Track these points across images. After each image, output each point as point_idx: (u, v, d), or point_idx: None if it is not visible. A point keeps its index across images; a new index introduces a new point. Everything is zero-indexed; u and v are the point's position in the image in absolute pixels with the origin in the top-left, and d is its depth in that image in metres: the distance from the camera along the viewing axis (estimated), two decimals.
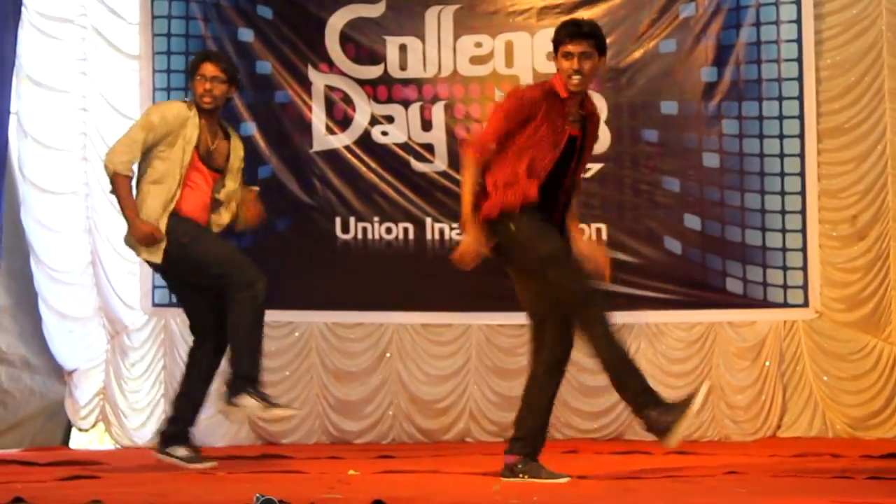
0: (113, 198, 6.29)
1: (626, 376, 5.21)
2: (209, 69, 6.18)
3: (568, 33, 5.40)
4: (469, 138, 5.57)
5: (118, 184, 6.08)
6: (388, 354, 8.02)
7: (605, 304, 5.29)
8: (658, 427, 5.08)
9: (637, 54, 7.73)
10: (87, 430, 8.06)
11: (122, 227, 7.70)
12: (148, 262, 6.27)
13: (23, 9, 7.65)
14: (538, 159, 5.32)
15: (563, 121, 5.39)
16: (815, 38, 7.54)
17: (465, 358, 7.95)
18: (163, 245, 6.03)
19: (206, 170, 6.20)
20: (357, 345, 8.03)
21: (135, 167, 6.12)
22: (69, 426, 8.09)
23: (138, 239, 6.05)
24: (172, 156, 6.07)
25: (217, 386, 6.21)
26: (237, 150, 6.37)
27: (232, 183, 6.34)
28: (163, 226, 6.02)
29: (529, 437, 5.38)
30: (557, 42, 5.42)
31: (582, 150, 5.49)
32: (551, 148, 5.34)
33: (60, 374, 7.99)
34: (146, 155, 6.10)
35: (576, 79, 5.32)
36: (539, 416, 5.44)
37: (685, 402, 5.06)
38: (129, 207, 6.06)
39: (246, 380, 5.91)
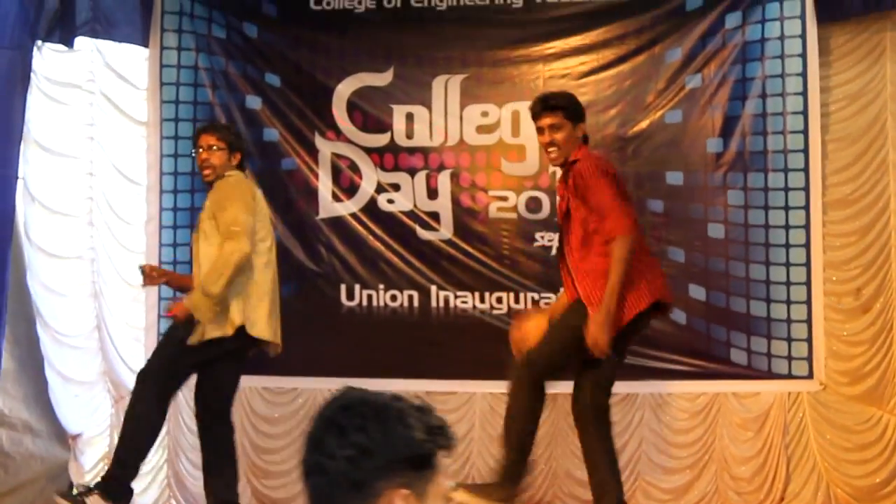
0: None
1: None
2: (205, 140, 6.27)
3: (534, 112, 5.66)
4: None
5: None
6: None
7: None
8: None
9: (643, 124, 7.75)
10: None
11: (127, 293, 7.86)
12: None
13: (32, 74, 7.67)
14: None
15: (561, 195, 5.57)
16: (821, 110, 7.54)
17: (469, 426, 7.91)
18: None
19: None
20: None
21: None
22: (71, 490, 8.06)
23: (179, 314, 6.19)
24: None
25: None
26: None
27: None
28: None
29: None
30: (532, 118, 5.59)
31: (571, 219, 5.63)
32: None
33: (63, 439, 7.96)
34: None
35: (552, 151, 5.51)
36: None
37: None
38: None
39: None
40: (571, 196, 5.66)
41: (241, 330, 6.15)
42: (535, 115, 5.64)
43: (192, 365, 6.38)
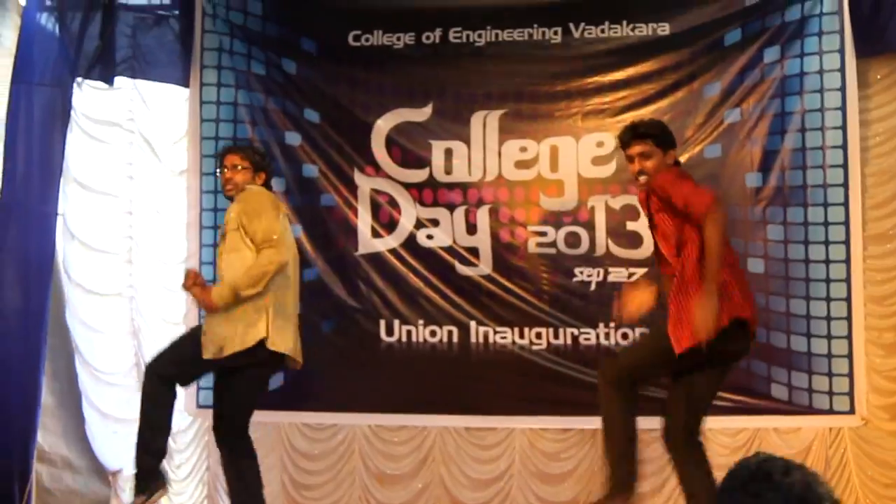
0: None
1: None
2: (229, 160, 6.30)
3: (624, 140, 5.64)
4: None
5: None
6: (431, 458, 7.98)
7: None
8: None
9: (682, 159, 7.71)
10: None
11: (166, 330, 7.86)
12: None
13: (72, 112, 7.70)
14: None
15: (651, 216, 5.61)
16: (861, 144, 7.52)
17: (509, 462, 7.91)
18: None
19: None
20: (400, 448, 8.00)
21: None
22: None
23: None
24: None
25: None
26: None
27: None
28: None
29: None
30: (621, 146, 5.59)
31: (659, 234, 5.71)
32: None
33: (103, 475, 7.97)
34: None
35: (642, 179, 5.52)
36: None
37: None
38: None
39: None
40: (657, 212, 5.64)
41: (261, 345, 6.14)
42: (625, 144, 5.60)
43: (208, 370, 6.46)
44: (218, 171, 6.40)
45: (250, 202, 6.22)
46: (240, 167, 6.29)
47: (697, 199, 5.44)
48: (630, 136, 5.67)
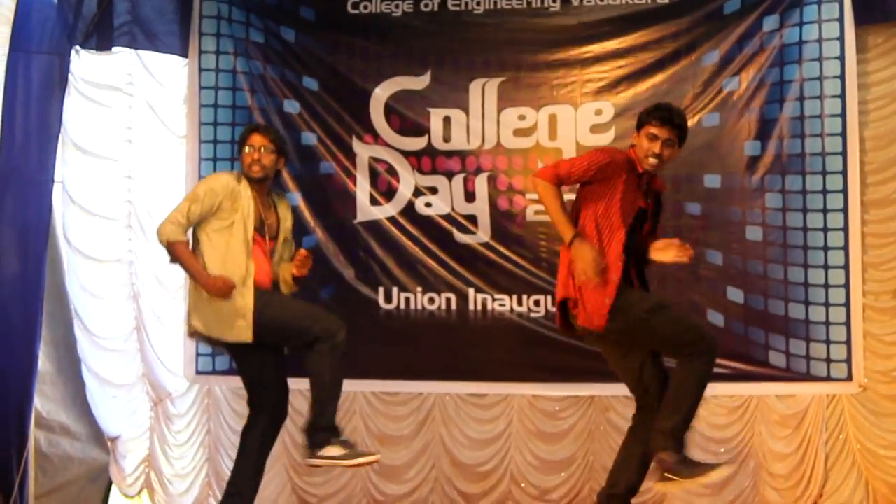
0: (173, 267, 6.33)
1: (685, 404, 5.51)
2: (257, 139, 6.22)
3: (660, 117, 5.56)
4: (537, 171, 5.68)
5: (176, 250, 6.10)
6: (431, 419, 8.06)
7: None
8: (669, 468, 5.42)
9: None
10: (133, 497, 8.08)
11: (165, 295, 7.87)
12: (233, 345, 6.19)
13: (70, 76, 7.70)
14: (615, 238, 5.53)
15: (636, 193, 5.52)
16: (860, 107, 7.54)
17: (507, 422, 7.98)
18: (249, 322, 6.04)
19: (262, 240, 6.21)
20: (401, 409, 8.08)
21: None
22: (108, 491, 8.12)
23: (215, 292, 6.02)
24: (235, 232, 6.10)
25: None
26: (286, 219, 6.38)
27: (286, 251, 6.37)
28: (249, 302, 6.05)
29: None
30: (645, 121, 5.56)
31: (649, 219, 5.70)
32: (621, 225, 5.50)
33: (101, 441, 8.01)
34: (206, 236, 6.13)
35: (652, 161, 5.49)
36: None
37: (705, 467, 5.46)
38: (194, 268, 6.10)
39: (329, 430, 5.94)
40: (653, 205, 5.66)
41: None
42: (657, 122, 5.54)
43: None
44: (244, 148, 6.31)
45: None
46: (265, 149, 6.23)
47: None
48: (668, 117, 5.61)
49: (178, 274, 7.65)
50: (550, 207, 5.54)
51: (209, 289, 6.02)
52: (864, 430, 7.60)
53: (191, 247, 6.15)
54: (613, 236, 5.56)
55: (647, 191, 5.70)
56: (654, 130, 5.51)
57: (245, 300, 6.03)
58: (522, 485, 7.94)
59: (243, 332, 6.04)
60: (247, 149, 6.22)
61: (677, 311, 5.59)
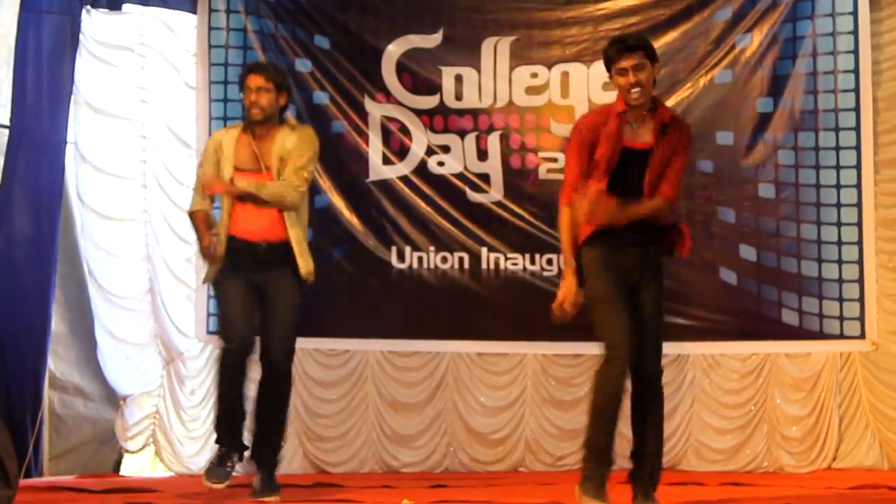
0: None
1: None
2: (253, 81, 6.22)
3: (616, 50, 5.46)
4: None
5: (192, 222, 6.31)
6: (444, 385, 8.02)
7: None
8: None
9: (693, 84, 7.74)
10: (135, 452, 8.06)
11: (180, 255, 7.89)
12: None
13: (81, 36, 7.70)
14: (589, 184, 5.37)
15: (619, 140, 5.40)
16: (873, 68, 7.52)
17: (521, 388, 7.95)
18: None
19: (254, 174, 6.18)
20: (413, 374, 8.04)
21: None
22: (122, 452, 8.10)
23: (203, 256, 6.29)
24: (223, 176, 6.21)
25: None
26: (282, 146, 6.21)
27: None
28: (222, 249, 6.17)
29: None
30: (609, 61, 5.47)
31: (656, 157, 5.43)
32: (602, 175, 5.38)
33: (115, 401, 8.00)
34: None
35: (635, 92, 5.35)
36: None
37: None
38: (199, 237, 6.27)
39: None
40: (662, 143, 5.50)
41: None
42: (615, 57, 5.47)
43: None
44: (241, 92, 6.30)
45: (305, 141, 6.28)
46: (263, 89, 6.22)
47: (676, 185, 5.46)
48: (621, 47, 5.52)
49: (192, 233, 7.67)
50: (560, 234, 5.51)
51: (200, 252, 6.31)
52: (876, 392, 7.57)
53: None
54: (588, 183, 5.46)
55: (660, 127, 5.55)
56: (619, 65, 5.43)
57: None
58: (536, 452, 7.93)
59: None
60: (245, 91, 6.24)
61: (613, 312, 5.46)
